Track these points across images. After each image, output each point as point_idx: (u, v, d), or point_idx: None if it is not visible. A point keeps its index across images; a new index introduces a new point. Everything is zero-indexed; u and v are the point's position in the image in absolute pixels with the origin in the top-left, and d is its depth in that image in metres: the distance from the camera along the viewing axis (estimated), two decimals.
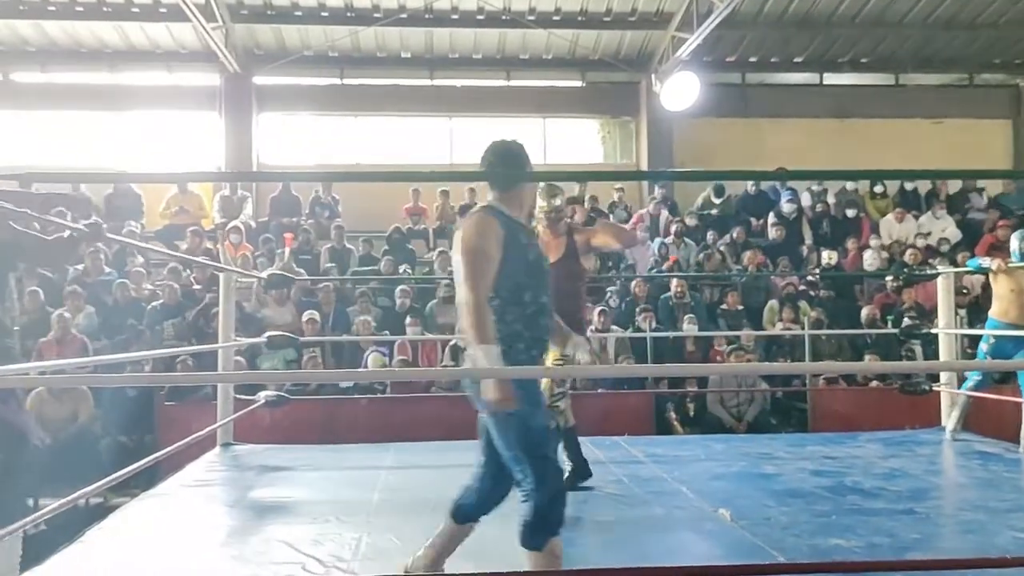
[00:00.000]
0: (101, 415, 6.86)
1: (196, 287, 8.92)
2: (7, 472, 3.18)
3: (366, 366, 7.64)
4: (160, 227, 10.80)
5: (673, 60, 11.75)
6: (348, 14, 11.59)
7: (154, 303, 8.50)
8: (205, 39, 11.15)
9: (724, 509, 3.64)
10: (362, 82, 12.94)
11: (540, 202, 4.24)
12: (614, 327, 8.48)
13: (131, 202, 11.17)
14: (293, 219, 11.25)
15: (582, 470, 4.36)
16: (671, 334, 8.32)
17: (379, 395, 7.30)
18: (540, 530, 2.51)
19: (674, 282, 9.09)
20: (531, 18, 11.58)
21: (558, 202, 4.30)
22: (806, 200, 11.48)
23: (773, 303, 9.33)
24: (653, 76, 12.51)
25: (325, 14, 11.60)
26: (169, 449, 4.22)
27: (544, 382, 3.82)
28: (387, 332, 8.28)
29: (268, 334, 5.27)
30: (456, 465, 3.51)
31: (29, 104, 12.44)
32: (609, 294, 9.57)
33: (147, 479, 4.86)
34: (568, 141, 13.54)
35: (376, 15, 11.52)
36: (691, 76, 11.81)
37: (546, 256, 3.66)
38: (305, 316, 8.10)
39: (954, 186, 11.84)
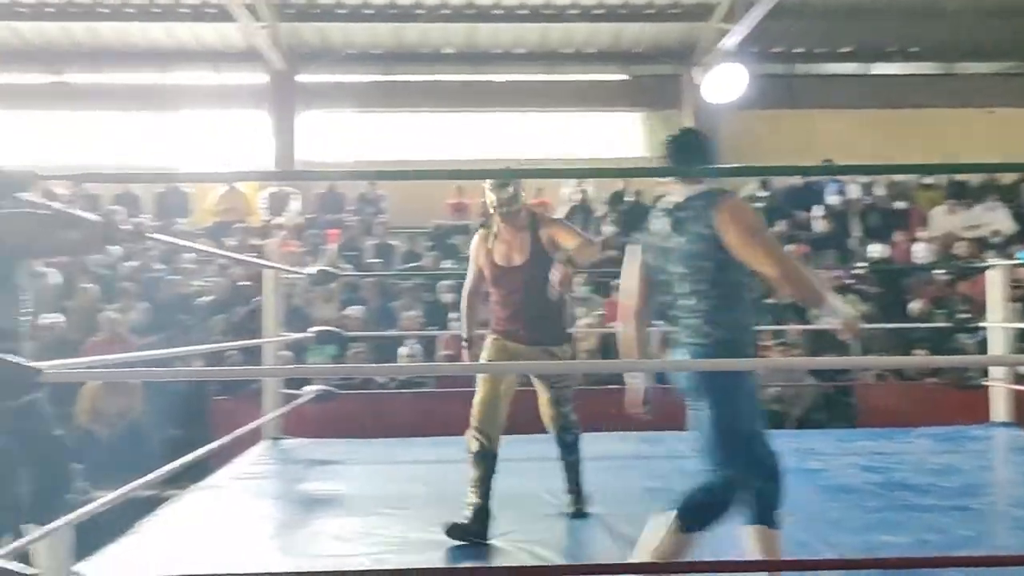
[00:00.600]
0: (153, 409, 6.99)
1: (245, 283, 9.06)
2: (51, 470, 3.25)
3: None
4: (209, 224, 11.00)
5: (717, 51, 11.62)
6: (391, 11, 11.67)
7: (203, 299, 8.66)
8: (252, 39, 11.30)
9: None
10: (405, 78, 13.03)
11: (489, 196, 3.71)
12: (656, 321, 8.41)
13: (179, 200, 11.38)
14: (338, 216, 11.38)
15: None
16: None
17: (424, 390, 7.35)
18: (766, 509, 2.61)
19: None
20: (573, 12, 11.55)
21: (510, 190, 3.69)
22: (854, 192, 11.27)
23: None
24: (697, 68, 12.40)
25: (369, 11, 11.69)
26: (218, 443, 4.29)
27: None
28: (432, 327, 8.34)
29: (314, 329, 5.33)
30: (501, 459, 3.54)
31: (81, 105, 12.73)
32: None
33: (198, 472, 4.94)
34: (610, 135, 13.50)
35: (419, 11, 11.58)
36: (739, 67, 11.63)
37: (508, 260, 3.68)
38: (350, 311, 8.20)
39: (1008, 176, 11.55)
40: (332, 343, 5.88)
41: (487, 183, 3.79)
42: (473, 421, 3.61)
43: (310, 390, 5.52)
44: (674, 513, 2.51)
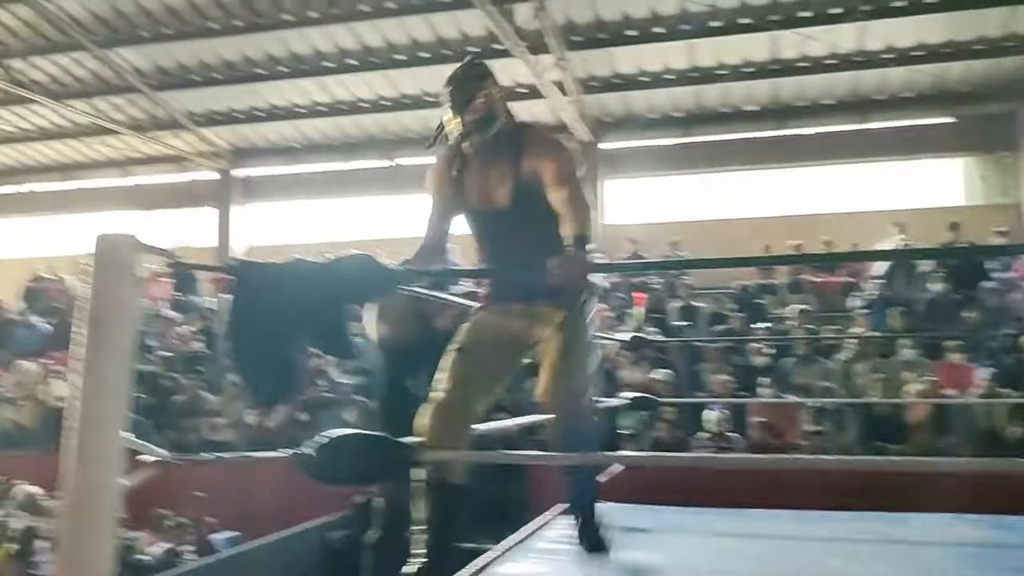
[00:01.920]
0: (476, 466, 7.39)
1: None
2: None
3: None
4: None
5: None
6: (692, 74, 11.73)
7: None
8: (559, 113, 11.88)
9: None
10: (707, 138, 12.97)
11: (449, 119, 2.80)
12: (1005, 389, 7.51)
13: None
14: (643, 278, 11.48)
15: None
16: None
17: (735, 456, 7.11)
18: None
19: None
20: (888, 56, 10.88)
21: (480, 102, 2.76)
22: None
23: None
24: None
25: (670, 76, 11.84)
26: (536, 505, 4.40)
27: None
28: (741, 392, 8.10)
29: (629, 395, 5.37)
30: (838, 539, 3.30)
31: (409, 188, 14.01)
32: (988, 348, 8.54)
33: (513, 529, 5.10)
34: (932, 183, 12.46)
35: (720, 72, 11.55)
36: None
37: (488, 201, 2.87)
38: (658, 375, 8.19)
39: None
40: (645, 408, 5.88)
41: (444, 99, 2.82)
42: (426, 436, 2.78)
43: (621, 455, 5.54)
44: None
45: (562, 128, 8.35)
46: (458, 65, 2.91)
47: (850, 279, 10.87)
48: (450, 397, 2.81)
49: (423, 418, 2.81)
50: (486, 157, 2.85)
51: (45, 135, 14.54)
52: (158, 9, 10.93)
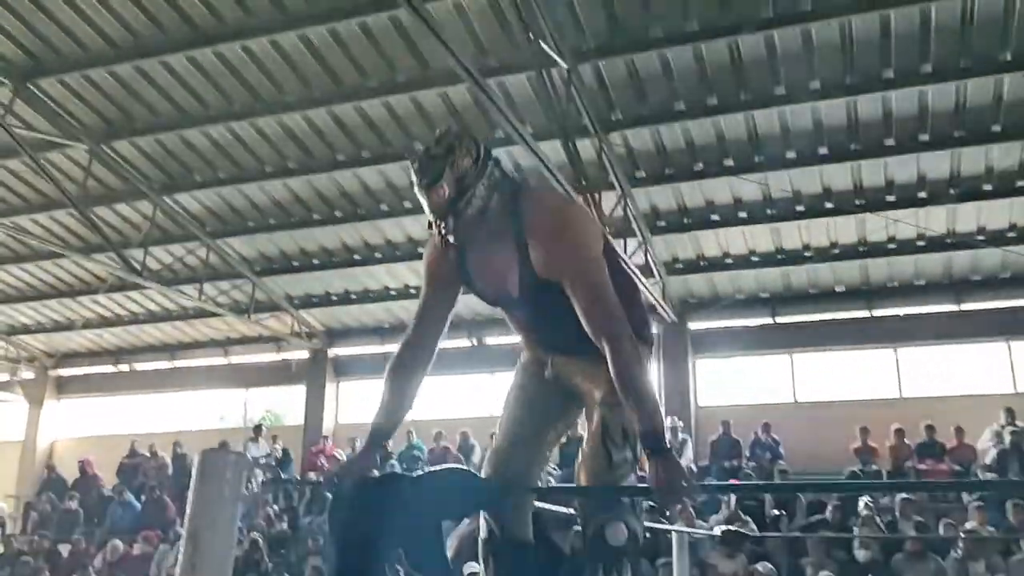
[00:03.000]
0: None
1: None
2: None
3: None
4: None
5: None
6: (778, 256, 11.76)
7: None
8: (646, 296, 11.97)
9: None
10: (795, 319, 12.82)
11: (421, 199, 2.34)
12: None
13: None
14: (734, 462, 11.12)
15: None
16: None
17: None
18: None
19: None
20: (981, 238, 10.72)
21: (445, 179, 2.28)
22: None
23: None
24: None
25: (755, 258, 11.89)
26: None
27: None
28: None
29: None
30: None
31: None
32: None
33: None
34: None
35: (807, 253, 11.55)
36: None
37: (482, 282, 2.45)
38: (759, 567, 7.73)
39: None
40: None
41: (412, 175, 2.36)
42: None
43: None
44: None
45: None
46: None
47: (959, 467, 10.26)
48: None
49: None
50: (480, 239, 2.38)
51: (153, 318, 15.37)
52: (265, 202, 11.70)
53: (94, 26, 8.86)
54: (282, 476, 12.07)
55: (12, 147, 9.90)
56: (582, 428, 2.53)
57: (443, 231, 2.29)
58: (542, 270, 2.31)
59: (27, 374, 16.80)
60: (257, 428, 13.72)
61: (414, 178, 2.34)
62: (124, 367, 16.83)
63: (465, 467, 1.88)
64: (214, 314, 13.67)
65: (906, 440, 10.73)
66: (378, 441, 2.30)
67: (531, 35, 7.24)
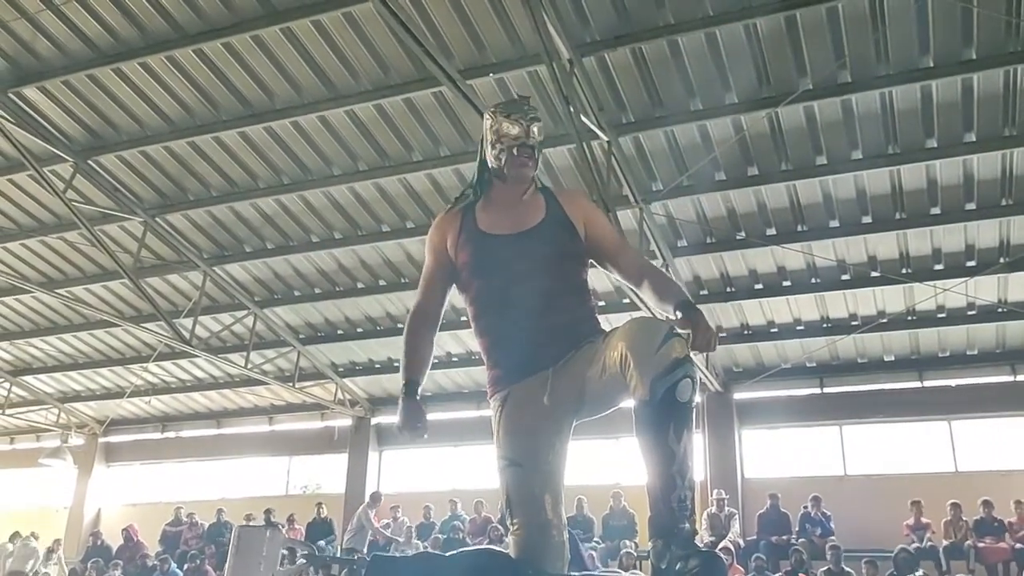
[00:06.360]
0: None
1: None
2: None
3: None
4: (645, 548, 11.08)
5: None
6: (824, 325, 11.58)
7: None
8: None
9: None
10: (844, 389, 12.56)
11: (506, 126, 2.56)
12: None
13: (627, 521, 11.72)
14: (783, 537, 10.81)
15: None
16: None
17: None
18: None
19: None
20: None
21: (538, 128, 2.57)
22: None
23: None
24: None
25: (801, 328, 11.73)
26: None
27: None
28: None
29: None
30: None
31: None
32: None
33: None
34: None
35: (854, 323, 11.36)
36: None
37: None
38: None
39: None
40: None
41: (511, 109, 2.60)
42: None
43: None
44: None
45: None
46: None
47: (1022, 545, 9.86)
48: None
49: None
50: (516, 193, 2.64)
51: (201, 385, 15.59)
52: (311, 272, 11.91)
53: (151, 104, 9.24)
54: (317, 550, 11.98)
55: (71, 220, 10.26)
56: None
57: (532, 161, 2.56)
58: (573, 210, 2.58)
59: (77, 440, 17.05)
60: (375, 495, 13.31)
61: (518, 105, 2.59)
62: (171, 434, 17.03)
63: (498, 549, 1.86)
64: (260, 382, 13.81)
65: (963, 515, 10.36)
66: (416, 391, 2.72)
67: (572, 109, 7.36)
